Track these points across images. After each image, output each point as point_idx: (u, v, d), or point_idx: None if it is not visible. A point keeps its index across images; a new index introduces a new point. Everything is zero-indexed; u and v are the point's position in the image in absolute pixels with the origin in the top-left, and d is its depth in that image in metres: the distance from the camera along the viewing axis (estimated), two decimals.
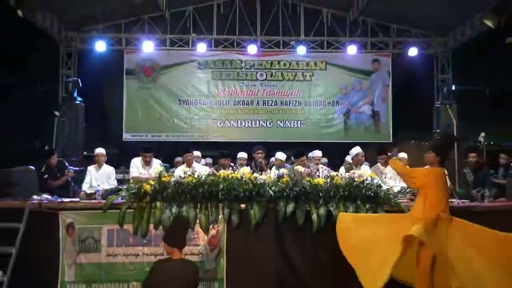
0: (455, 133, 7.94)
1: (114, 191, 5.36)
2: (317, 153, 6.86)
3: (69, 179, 6.56)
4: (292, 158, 6.73)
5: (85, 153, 8.74)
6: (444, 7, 8.40)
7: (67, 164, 6.67)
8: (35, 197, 5.26)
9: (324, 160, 7.45)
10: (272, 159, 7.22)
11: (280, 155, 6.75)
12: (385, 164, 6.32)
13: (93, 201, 5.31)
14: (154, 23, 9.91)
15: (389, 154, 5.99)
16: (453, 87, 9.54)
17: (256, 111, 10.29)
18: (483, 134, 6.98)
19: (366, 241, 4.08)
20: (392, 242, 3.75)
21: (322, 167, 6.53)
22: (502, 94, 11.64)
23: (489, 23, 7.30)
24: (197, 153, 7.03)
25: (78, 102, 9.19)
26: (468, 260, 3.70)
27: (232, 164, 6.51)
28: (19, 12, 6.87)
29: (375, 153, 6.87)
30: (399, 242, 3.64)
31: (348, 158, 6.91)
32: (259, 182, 4.98)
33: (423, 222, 3.84)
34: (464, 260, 3.68)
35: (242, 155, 6.85)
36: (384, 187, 5.27)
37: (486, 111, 11.20)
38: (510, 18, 7.27)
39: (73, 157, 8.32)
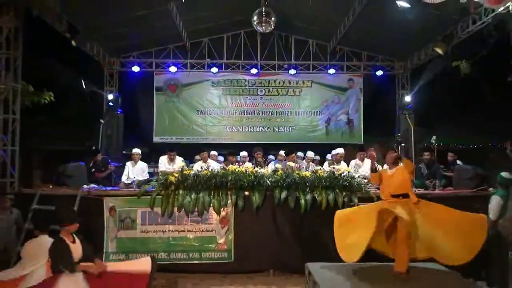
0: (412, 137, 7.92)
1: (146, 182, 5.38)
2: (310, 154, 6.84)
3: (111, 172, 6.56)
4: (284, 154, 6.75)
5: (123, 152, 8.74)
6: (403, 38, 8.40)
7: (109, 161, 6.65)
8: (85, 186, 5.29)
9: (317, 158, 7.45)
10: (270, 156, 7.21)
11: (281, 152, 6.77)
12: (361, 160, 6.37)
13: (130, 189, 5.33)
14: (177, 51, 9.92)
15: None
16: (410, 100, 9.54)
17: (256, 119, 10.28)
18: (434, 137, 6.98)
19: (349, 222, 3.85)
20: (367, 222, 3.54)
21: (311, 164, 6.53)
22: (450, 106, 11.64)
23: (439, 50, 7.30)
24: (214, 152, 7.04)
25: (118, 112, 9.23)
26: (426, 232, 3.55)
27: (238, 160, 6.52)
28: (73, 43, 6.90)
29: (350, 152, 6.89)
30: (372, 222, 3.44)
31: (329, 156, 6.90)
32: (259, 175, 4.99)
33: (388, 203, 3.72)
34: (424, 233, 3.55)
35: (244, 153, 6.87)
36: (359, 178, 5.25)
37: (437, 119, 11.18)
38: (455, 47, 7.27)
39: (114, 155, 8.33)
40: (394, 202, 3.71)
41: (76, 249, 3.16)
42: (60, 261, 3.02)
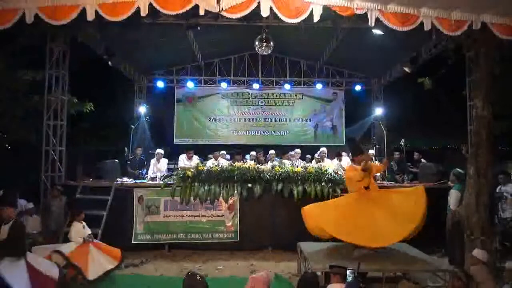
0: (385, 140, 7.86)
1: (168, 176, 5.38)
2: (297, 151, 6.84)
3: (139, 173, 6.32)
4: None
5: (150, 151, 8.73)
6: (377, 59, 8.38)
7: (143, 170, 6.29)
8: (118, 179, 5.29)
9: (308, 156, 7.43)
10: (271, 151, 7.14)
11: (272, 151, 6.76)
12: (340, 160, 6.39)
13: (155, 182, 5.34)
14: (194, 69, 9.93)
15: (342, 153, 6.02)
16: (383, 110, 9.53)
17: (258, 125, 10.25)
18: (403, 140, 6.95)
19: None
20: None
21: (299, 160, 6.49)
22: (416, 114, 11.59)
23: (407, 69, 7.29)
24: (223, 152, 7.02)
25: (146, 119, 9.26)
26: (379, 217, 3.51)
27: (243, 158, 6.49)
28: (110, 63, 6.94)
29: (335, 152, 6.90)
30: None
31: (316, 155, 6.87)
32: (260, 170, 4.99)
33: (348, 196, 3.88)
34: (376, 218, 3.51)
35: (253, 153, 6.89)
36: (341, 173, 5.23)
37: (405, 125, 11.11)
38: (420, 67, 7.26)
39: (142, 154, 8.31)
40: (367, 193, 3.74)
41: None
42: None
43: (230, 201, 4.94)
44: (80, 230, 3.81)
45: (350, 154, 4.10)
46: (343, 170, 5.95)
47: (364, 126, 10.13)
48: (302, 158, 7.07)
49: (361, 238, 3.44)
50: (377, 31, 5.21)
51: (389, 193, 3.87)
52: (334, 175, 4.97)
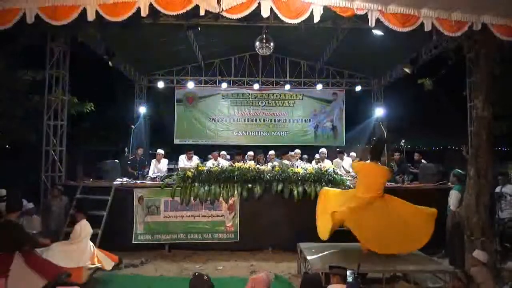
0: (384, 140, 7.86)
1: (168, 176, 5.37)
2: (297, 151, 6.85)
3: (138, 174, 6.27)
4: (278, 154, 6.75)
5: (150, 151, 8.73)
6: (377, 60, 8.38)
7: (143, 172, 6.13)
8: (118, 180, 5.28)
9: (305, 156, 7.47)
10: (270, 152, 7.16)
11: (271, 152, 6.78)
12: (342, 159, 6.43)
13: (155, 182, 5.33)
14: (194, 70, 9.92)
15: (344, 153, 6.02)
16: (383, 111, 9.52)
17: (258, 125, 10.25)
18: (403, 140, 6.95)
19: (327, 204, 3.85)
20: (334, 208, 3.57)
21: (299, 161, 6.49)
22: (417, 115, 11.61)
23: (407, 70, 7.28)
24: (223, 152, 7.01)
25: (146, 119, 9.25)
26: (390, 225, 3.49)
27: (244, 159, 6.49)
28: (110, 63, 6.94)
29: (335, 153, 6.92)
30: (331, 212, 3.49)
31: (317, 156, 6.88)
32: (260, 170, 4.99)
33: (358, 200, 3.60)
34: (388, 225, 3.49)
35: (250, 153, 6.87)
36: (343, 173, 5.25)
37: (405, 126, 11.12)
38: (420, 67, 7.25)
39: (142, 155, 8.30)
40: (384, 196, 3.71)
41: None
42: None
43: (230, 202, 4.93)
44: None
45: (369, 153, 3.95)
46: (345, 172, 5.97)
47: (366, 128, 10.14)
48: (300, 158, 7.06)
49: (377, 245, 3.46)
50: (378, 32, 5.20)
51: (404, 203, 3.69)
52: (334, 175, 4.96)
